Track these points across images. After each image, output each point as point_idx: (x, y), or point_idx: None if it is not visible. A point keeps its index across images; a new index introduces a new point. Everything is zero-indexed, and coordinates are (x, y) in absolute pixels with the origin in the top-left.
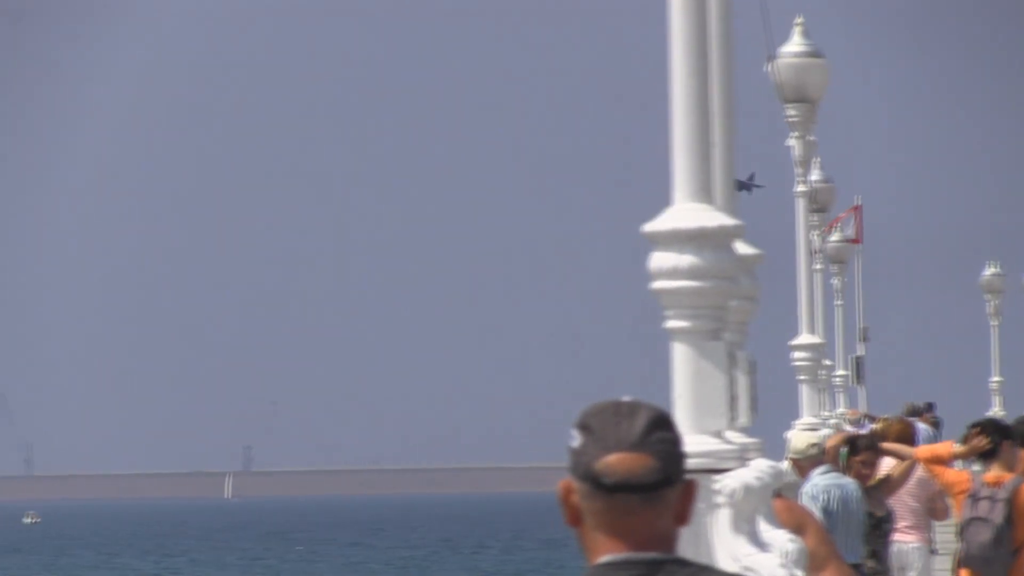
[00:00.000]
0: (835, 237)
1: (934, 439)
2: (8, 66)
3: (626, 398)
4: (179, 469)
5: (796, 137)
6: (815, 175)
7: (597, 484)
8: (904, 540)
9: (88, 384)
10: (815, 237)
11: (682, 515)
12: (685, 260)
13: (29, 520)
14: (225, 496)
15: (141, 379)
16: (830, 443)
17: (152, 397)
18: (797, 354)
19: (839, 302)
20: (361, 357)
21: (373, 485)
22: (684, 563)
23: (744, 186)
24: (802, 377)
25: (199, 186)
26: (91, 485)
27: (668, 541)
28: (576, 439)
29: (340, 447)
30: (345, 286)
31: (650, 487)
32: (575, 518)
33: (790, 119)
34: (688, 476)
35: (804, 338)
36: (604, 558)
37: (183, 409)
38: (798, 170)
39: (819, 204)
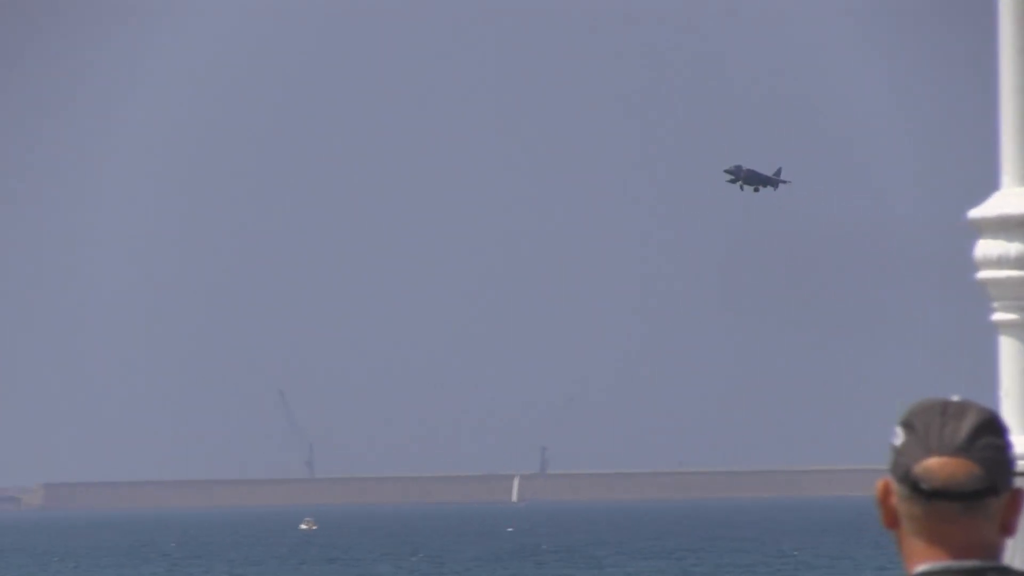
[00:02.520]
0: None
1: None
2: (44, 70)
3: (955, 397)
4: (465, 471)
5: None
6: None
7: (915, 488)
8: None
9: (370, 383)
10: None
11: (1008, 526)
12: (1014, 248)
13: (305, 527)
14: (512, 500)
15: (432, 378)
16: None
17: (438, 397)
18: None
19: None
20: (665, 354)
21: (672, 488)
22: (1007, 571)
23: (770, 181)
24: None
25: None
26: (371, 489)
27: (991, 549)
28: (899, 437)
29: (639, 448)
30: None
31: (972, 495)
32: (892, 520)
33: None
34: (1017, 485)
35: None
36: (921, 567)
37: (470, 408)
38: None
39: None
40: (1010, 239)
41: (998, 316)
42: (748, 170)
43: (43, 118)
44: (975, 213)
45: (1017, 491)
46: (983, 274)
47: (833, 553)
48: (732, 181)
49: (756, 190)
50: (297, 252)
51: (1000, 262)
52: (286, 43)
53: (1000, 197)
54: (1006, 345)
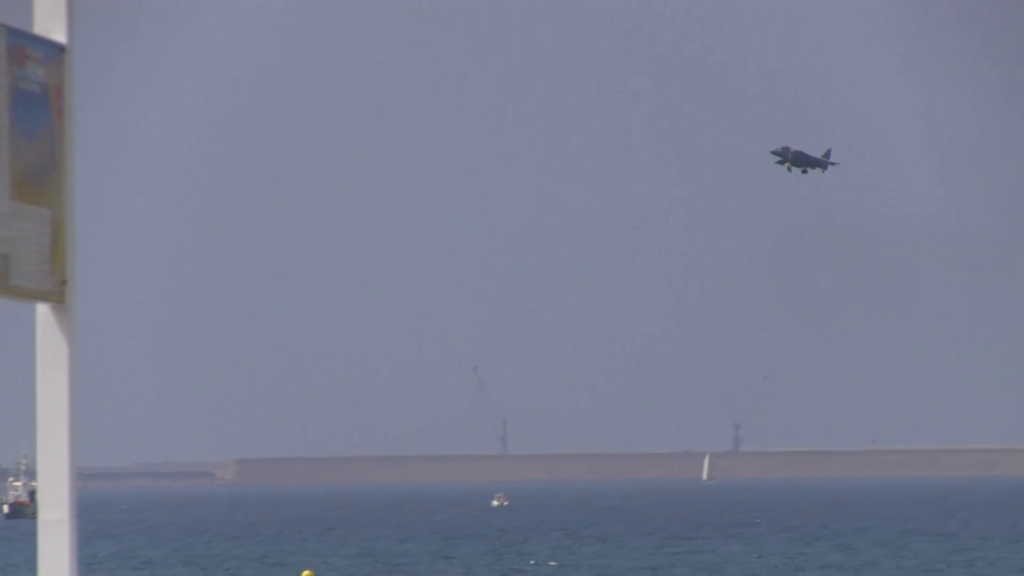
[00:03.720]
0: None
1: None
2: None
3: None
4: (658, 449)
5: None
6: None
7: None
8: None
9: (564, 358)
10: None
11: None
12: None
13: (497, 503)
14: (703, 478)
15: (626, 356)
16: None
17: (627, 376)
18: None
19: None
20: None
21: (867, 467)
22: None
23: (818, 163)
24: None
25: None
26: (564, 466)
27: None
28: None
29: (832, 426)
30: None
31: None
32: None
33: None
34: None
35: None
36: None
37: (667, 387)
38: None
39: None
40: None
41: None
42: (796, 151)
43: None
44: None
45: None
46: None
47: None
48: (780, 162)
49: (804, 172)
50: (488, 234)
51: None
52: (298, 49)
53: None
54: None
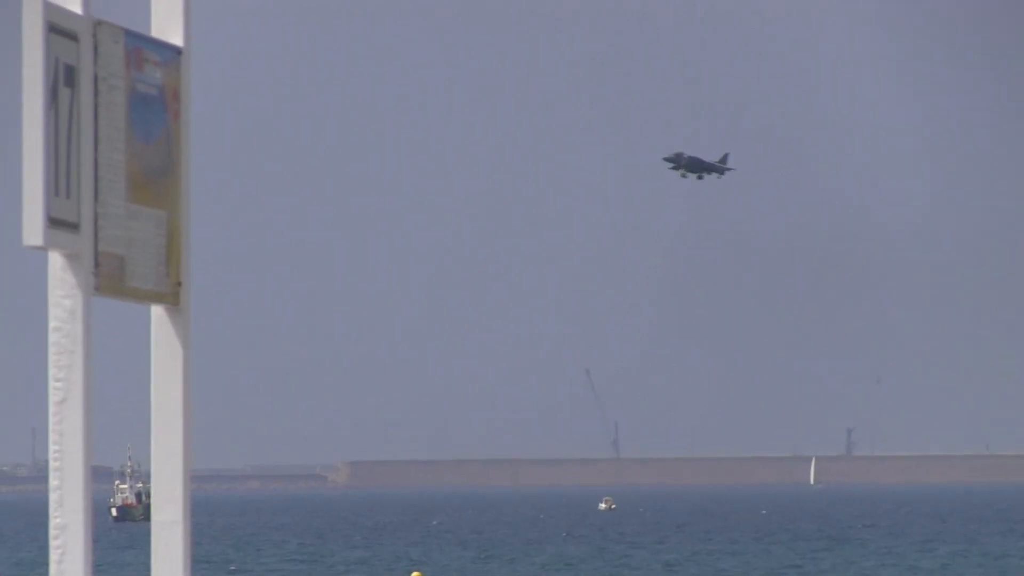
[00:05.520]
0: None
1: None
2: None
3: None
4: (769, 452)
5: None
6: None
7: None
8: None
9: (669, 362)
10: None
11: None
12: None
13: (604, 506)
14: (810, 482)
15: (736, 359)
16: None
17: (738, 379)
18: None
19: None
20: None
21: (977, 471)
22: None
23: (714, 168)
24: None
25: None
26: (674, 469)
27: None
28: None
29: (944, 430)
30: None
31: None
32: None
33: None
34: None
35: None
36: None
37: (777, 390)
38: None
39: None
40: None
41: None
42: (690, 157)
43: None
44: None
45: None
46: None
47: None
48: (674, 168)
49: (700, 177)
50: (600, 235)
51: None
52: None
53: None
54: None
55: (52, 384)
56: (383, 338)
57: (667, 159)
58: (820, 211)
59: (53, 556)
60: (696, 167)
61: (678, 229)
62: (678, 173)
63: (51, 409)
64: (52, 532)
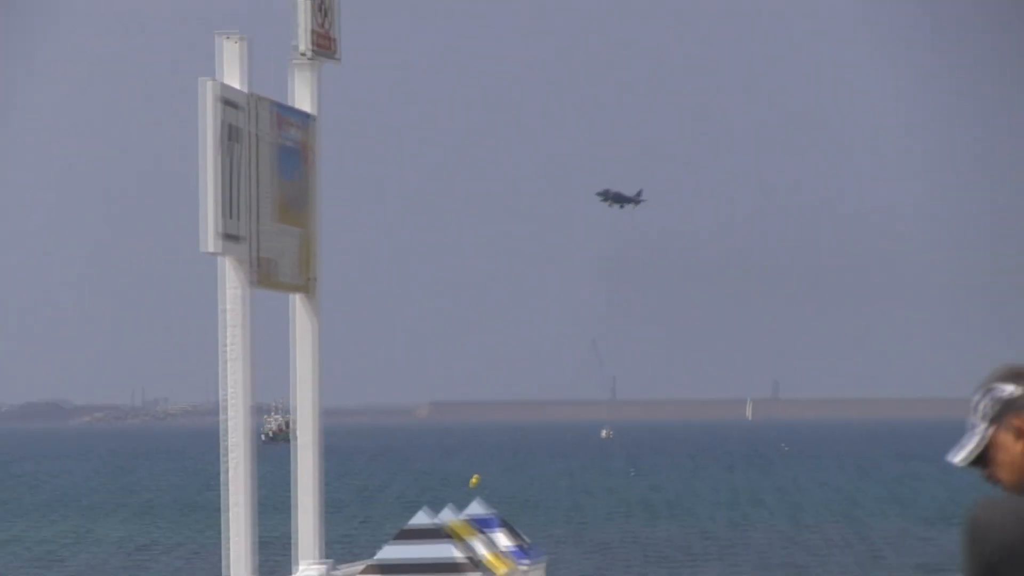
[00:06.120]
0: None
1: None
2: None
3: None
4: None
5: None
6: None
7: None
8: None
9: (672, 322)
10: None
11: None
12: None
13: (604, 434)
14: (748, 417)
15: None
16: None
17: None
18: None
19: None
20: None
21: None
22: None
23: (628, 200)
24: None
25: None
26: (661, 408)
27: None
28: (1009, 390)
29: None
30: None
31: None
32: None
33: None
34: None
35: None
36: None
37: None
38: None
39: None
40: None
41: None
42: (615, 192)
43: None
44: None
45: None
46: None
47: None
48: (603, 200)
49: (621, 207)
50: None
51: None
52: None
53: None
54: None
55: (227, 347)
56: (460, 297)
57: (599, 193)
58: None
59: (226, 467)
60: (619, 199)
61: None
62: (607, 203)
63: (226, 366)
64: (225, 449)
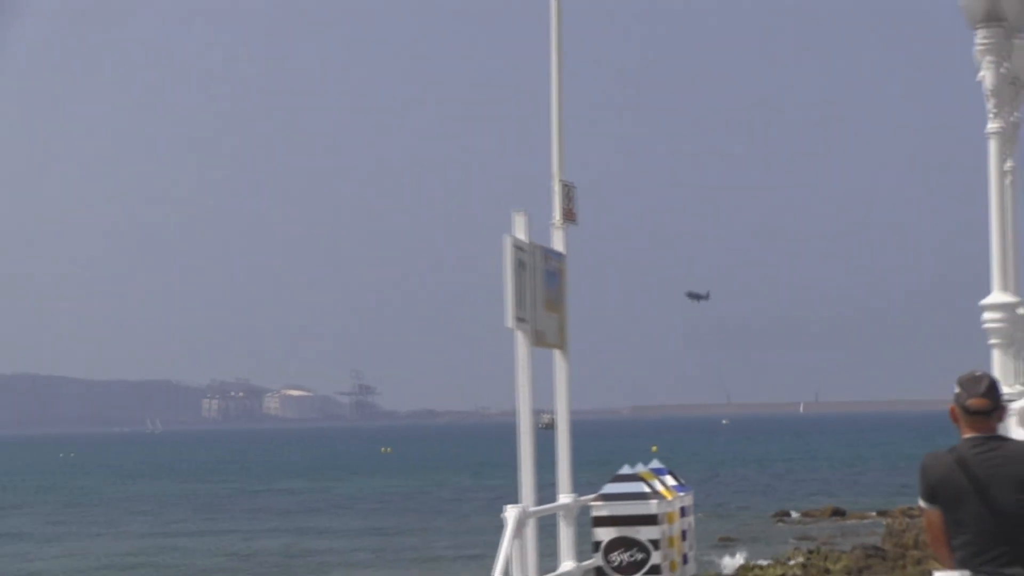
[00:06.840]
0: None
1: None
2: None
3: (979, 372)
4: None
5: None
6: None
7: (966, 410)
8: None
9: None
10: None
11: (1000, 422)
12: None
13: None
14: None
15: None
16: None
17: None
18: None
19: None
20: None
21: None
22: (1003, 438)
23: (699, 296)
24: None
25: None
26: (764, 408)
27: (995, 431)
28: (957, 389)
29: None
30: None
31: (986, 412)
32: (955, 420)
33: None
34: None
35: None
36: (967, 435)
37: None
38: None
39: None
40: None
41: None
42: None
43: None
44: None
45: (1003, 408)
46: None
47: None
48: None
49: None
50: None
51: None
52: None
53: None
54: None
55: (519, 382)
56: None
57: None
58: None
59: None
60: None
61: None
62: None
63: (518, 390)
64: (518, 432)
